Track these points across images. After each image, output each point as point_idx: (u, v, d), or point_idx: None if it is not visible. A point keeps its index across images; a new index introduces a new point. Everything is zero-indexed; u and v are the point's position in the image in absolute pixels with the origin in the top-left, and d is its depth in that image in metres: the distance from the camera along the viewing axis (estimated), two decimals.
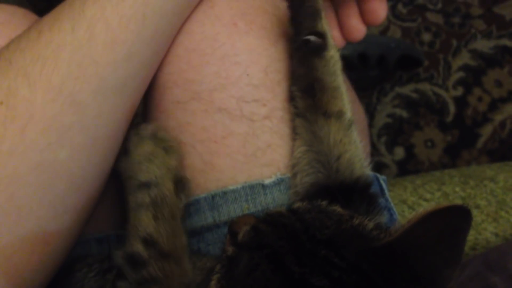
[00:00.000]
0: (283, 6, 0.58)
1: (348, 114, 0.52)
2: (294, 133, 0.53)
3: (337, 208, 0.43)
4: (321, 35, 0.51)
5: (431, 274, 0.35)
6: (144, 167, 0.50)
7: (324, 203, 0.44)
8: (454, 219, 0.34)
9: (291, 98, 0.53)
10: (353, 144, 0.51)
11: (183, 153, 0.53)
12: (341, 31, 0.62)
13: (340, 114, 0.51)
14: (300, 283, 0.36)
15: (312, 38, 0.51)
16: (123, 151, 0.52)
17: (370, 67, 1.29)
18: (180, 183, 0.51)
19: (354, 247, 0.37)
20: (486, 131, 1.34)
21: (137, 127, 0.52)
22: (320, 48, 0.51)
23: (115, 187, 0.63)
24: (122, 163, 0.52)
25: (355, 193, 0.49)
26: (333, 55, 0.52)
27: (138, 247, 0.48)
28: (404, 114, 1.36)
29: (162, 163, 0.51)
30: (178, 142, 0.53)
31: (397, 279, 0.35)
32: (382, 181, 0.58)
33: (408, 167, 1.32)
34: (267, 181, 0.52)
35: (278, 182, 0.52)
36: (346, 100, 0.52)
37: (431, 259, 0.35)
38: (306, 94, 0.51)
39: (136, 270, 0.48)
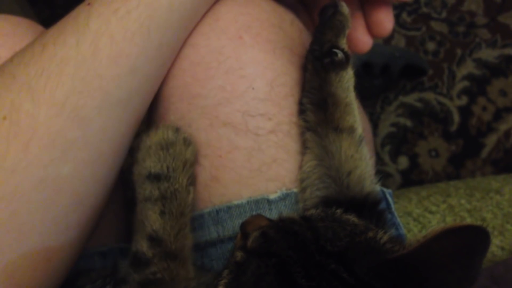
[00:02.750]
0: (289, 18, 0.58)
1: (359, 130, 0.51)
2: (304, 147, 0.52)
3: (352, 217, 0.42)
4: (346, 53, 0.52)
5: None
6: (157, 156, 0.49)
7: (339, 211, 0.43)
8: (472, 239, 0.33)
9: (301, 111, 0.52)
10: (364, 160, 0.51)
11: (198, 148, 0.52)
12: (347, 43, 0.62)
13: (351, 130, 0.50)
14: None
15: (339, 53, 0.51)
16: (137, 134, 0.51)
17: (374, 76, 1.28)
18: (191, 176, 0.50)
19: (366, 262, 0.36)
20: (491, 141, 1.33)
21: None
22: (342, 65, 0.51)
23: (118, 200, 0.63)
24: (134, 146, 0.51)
25: (364, 209, 0.48)
26: (348, 72, 0.52)
27: (143, 245, 0.47)
28: (408, 123, 1.36)
29: (179, 153, 0.49)
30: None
31: None
32: (388, 195, 0.58)
33: (412, 177, 1.32)
34: (272, 196, 0.51)
35: (284, 197, 0.51)
36: (357, 116, 0.52)
37: (444, 277, 0.34)
38: (318, 108, 0.51)
39: (139, 270, 0.46)
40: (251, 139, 0.52)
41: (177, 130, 0.50)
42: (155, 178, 0.48)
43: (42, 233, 0.44)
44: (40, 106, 0.43)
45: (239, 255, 0.40)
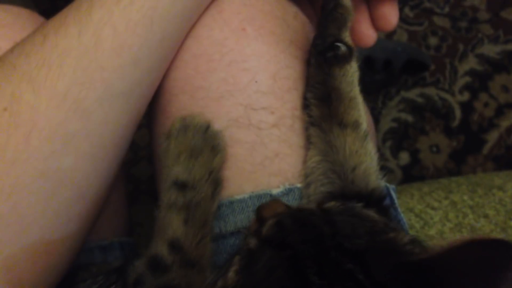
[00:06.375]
0: (292, 11, 0.57)
1: (364, 125, 0.51)
2: (308, 142, 0.52)
3: (371, 213, 0.41)
4: (349, 47, 0.51)
5: None
6: (186, 164, 0.48)
7: (359, 205, 0.42)
8: (499, 254, 0.31)
9: (305, 106, 0.52)
10: (369, 155, 0.50)
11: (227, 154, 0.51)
12: (351, 36, 0.61)
13: (356, 125, 0.50)
14: None
15: (342, 47, 0.50)
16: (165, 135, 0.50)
17: (376, 71, 1.28)
18: (217, 185, 0.50)
19: (386, 264, 0.35)
20: (492, 137, 1.33)
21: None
22: (345, 59, 0.50)
23: (120, 193, 0.62)
24: (161, 145, 0.50)
25: (369, 205, 0.47)
26: (352, 65, 0.51)
27: (163, 250, 0.46)
28: (410, 118, 1.35)
29: (206, 163, 0.49)
30: (225, 139, 0.50)
31: None
32: (391, 191, 0.57)
33: (413, 172, 1.31)
34: (275, 191, 0.50)
35: (287, 192, 0.51)
36: (362, 110, 0.51)
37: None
38: (322, 103, 0.50)
39: (157, 275, 0.46)
40: (253, 133, 0.51)
41: (206, 131, 0.50)
42: (182, 186, 0.48)
43: (43, 226, 0.43)
44: (41, 97, 0.42)
45: (252, 242, 0.39)
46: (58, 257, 0.46)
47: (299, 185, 0.51)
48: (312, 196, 0.50)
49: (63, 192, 0.44)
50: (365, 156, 0.50)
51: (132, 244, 0.63)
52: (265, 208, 0.42)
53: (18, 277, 0.42)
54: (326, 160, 0.50)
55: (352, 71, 0.51)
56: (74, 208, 0.45)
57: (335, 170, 0.50)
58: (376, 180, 0.50)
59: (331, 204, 0.42)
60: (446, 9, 1.44)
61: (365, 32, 0.60)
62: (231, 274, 0.37)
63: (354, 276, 0.34)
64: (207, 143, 0.49)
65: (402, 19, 1.43)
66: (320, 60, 0.51)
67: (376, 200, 0.49)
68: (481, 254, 0.31)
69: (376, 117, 1.35)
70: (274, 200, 0.45)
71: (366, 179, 0.49)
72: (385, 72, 1.29)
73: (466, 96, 1.36)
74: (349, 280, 0.34)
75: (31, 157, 0.42)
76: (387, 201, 0.53)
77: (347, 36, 0.52)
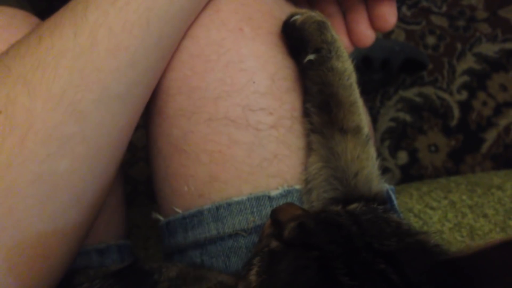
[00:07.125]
0: (290, 11, 0.57)
1: (366, 129, 0.50)
2: (309, 148, 0.51)
3: (393, 216, 0.40)
4: (318, 50, 0.50)
5: None
6: None
7: (381, 207, 0.41)
8: None
9: (306, 114, 0.51)
10: (371, 160, 0.49)
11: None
12: (349, 37, 0.61)
13: (357, 130, 0.49)
14: None
15: (312, 57, 0.50)
16: None
17: (374, 71, 1.27)
18: None
19: (419, 265, 0.34)
20: (491, 135, 1.32)
21: None
22: (325, 60, 0.50)
23: (117, 195, 0.62)
24: None
25: None
26: (347, 67, 0.50)
27: None
28: (408, 118, 1.35)
29: None
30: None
31: None
32: (390, 192, 0.57)
33: (412, 172, 1.31)
34: (273, 193, 0.50)
35: (285, 194, 0.50)
36: (363, 114, 0.50)
37: None
38: (321, 111, 0.50)
39: None
40: (251, 134, 0.51)
41: None
42: None
43: (39, 230, 0.43)
44: (37, 99, 0.42)
45: (274, 243, 0.38)
46: (55, 261, 0.45)
47: (297, 186, 0.51)
48: (314, 202, 0.50)
49: (60, 195, 0.43)
50: (367, 161, 0.49)
51: (130, 247, 0.62)
52: (281, 211, 0.42)
53: (14, 282, 0.42)
54: (328, 166, 0.50)
55: (348, 74, 0.50)
56: (70, 212, 0.45)
57: (337, 176, 0.49)
58: (378, 184, 0.50)
59: (354, 205, 0.42)
60: (444, 8, 1.44)
61: (363, 32, 0.60)
62: (252, 276, 0.36)
63: (387, 277, 0.33)
64: None
65: (400, 18, 1.42)
66: (309, 74, 0.51)
67: (379, 204, 0.49)
68: None
69: (374, 117, 1.35)
70: (289, 203, 0.44)
71: (369, 184, 0.49)
72: (383, 72, 1.29)
73: (464, 95, 1.36)
74: (382, 281, 0.33)
75: (27, 160, 0.41)
76: (388, 205, 0.53)
77: (332, 35, 0.51)
